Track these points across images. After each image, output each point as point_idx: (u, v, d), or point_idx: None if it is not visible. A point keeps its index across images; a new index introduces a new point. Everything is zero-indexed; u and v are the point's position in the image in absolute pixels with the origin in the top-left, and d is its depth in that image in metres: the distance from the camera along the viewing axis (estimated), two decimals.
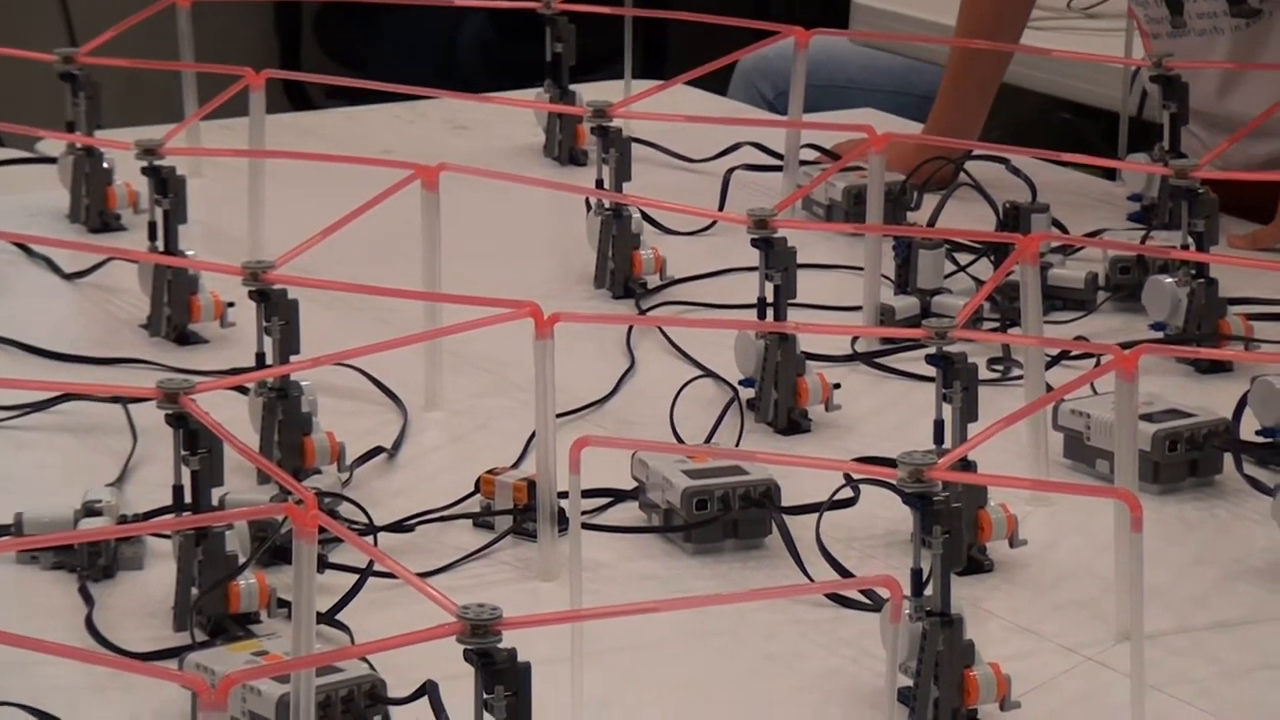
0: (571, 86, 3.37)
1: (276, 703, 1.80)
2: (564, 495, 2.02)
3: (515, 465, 2.25)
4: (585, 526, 2.09)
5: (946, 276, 2.77)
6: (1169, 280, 2.62)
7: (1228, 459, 2.34)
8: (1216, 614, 2.10)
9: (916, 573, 1.89)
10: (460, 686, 1.68)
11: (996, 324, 2.59)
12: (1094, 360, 2.31)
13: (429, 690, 1.79)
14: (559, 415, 2.18)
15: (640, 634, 1.98)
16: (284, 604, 1.99)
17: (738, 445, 2.40)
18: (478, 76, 5.58)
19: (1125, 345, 2.19)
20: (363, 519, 2.18)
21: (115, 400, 2.36)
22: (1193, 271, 2.62)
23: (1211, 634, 2.07)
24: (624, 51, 3.38)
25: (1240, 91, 3.10)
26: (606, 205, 2.81)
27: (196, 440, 2.02)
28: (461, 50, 5.23)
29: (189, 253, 2.65)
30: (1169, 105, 2.98)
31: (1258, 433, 2.36)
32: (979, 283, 2.70)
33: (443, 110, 3.34)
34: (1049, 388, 2.34)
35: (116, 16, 3.15)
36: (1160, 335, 2.61)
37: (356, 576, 2.05)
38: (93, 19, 4.88)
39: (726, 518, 2.19)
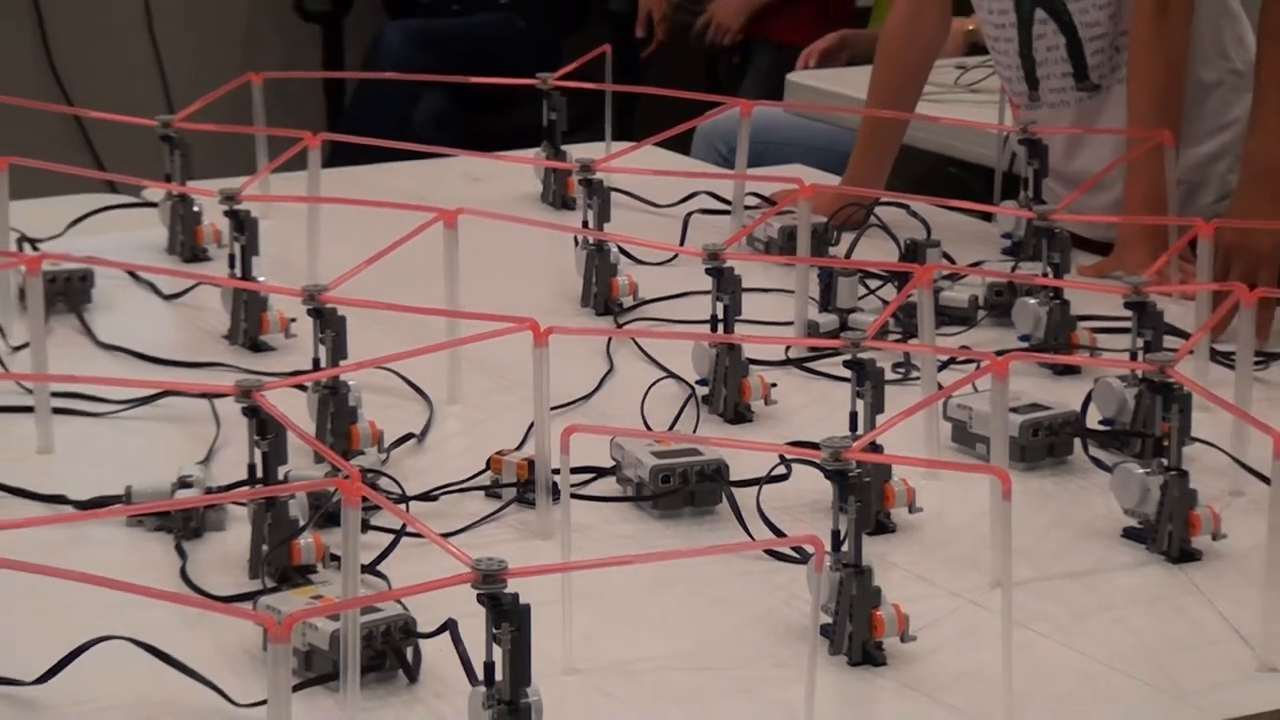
0: (562, 146, 3.36)
1: (330, 636, 1.81)
2: (557, 472, 2.03)
3: (518, 448, 2.25)
4: (574, 496, 2.10)
5: (860, 298, 2.77)
6: (1033, 301, 2.61)
7: (1077, 443, 2.35)
8: (1068, 566, 2.12)
9: (835, 533, 1.89)
10: (474, 624, 1.69)
11: (899, 336, 2.59)
12: (975, 365, 2.30)
13: (450, 626, 1.81)
14: (553, 408, 2.18)
15: (617, 582, 1.98)
16: (335, 558, 1.99)
17: (694, 432, 2.40)
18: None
19: (999, 353, 2.20)
20: (397, 490, 2.18)
21: (203, 396, 2.36)
22: (1051, 294, 2.62)
23: (1064, 581, 2.08)
24: (605, 118, 3.37)
25: (1084, 153, 3.11)
26: (591, 241, 2.81)
27: (266, 428, 2.03)
28: (417, 125, 5.11)
29: (260, 278, 2.65)
30: (1032, 163, 2.98)
31: (1100, 422, 2.36)
32: (885, 303, 2.69)
33: (461, 166, 3.33)
34: (940, 386, 2.34)
35: (205, 87, 3.14)
36: (1026, 345, 2.60)
37: (392, 536, 2.06)
38: (187, 89, 4.86)
39: (685, 489, 2.20)
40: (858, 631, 1.88)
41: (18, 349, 2.54)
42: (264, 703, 1.60)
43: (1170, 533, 2.11)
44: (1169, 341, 2.41)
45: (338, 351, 2.34)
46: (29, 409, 2.36)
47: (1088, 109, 3.12)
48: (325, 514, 2.04)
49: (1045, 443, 2.34)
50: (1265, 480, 1.96)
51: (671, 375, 2.53)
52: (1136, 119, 2.97)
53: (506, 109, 3.82)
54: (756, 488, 2.20)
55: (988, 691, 1.80)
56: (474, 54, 4.87)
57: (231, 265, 2.69)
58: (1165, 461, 2.13)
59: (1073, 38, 3.08)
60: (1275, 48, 2.82)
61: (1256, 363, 2.44)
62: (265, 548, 2.02)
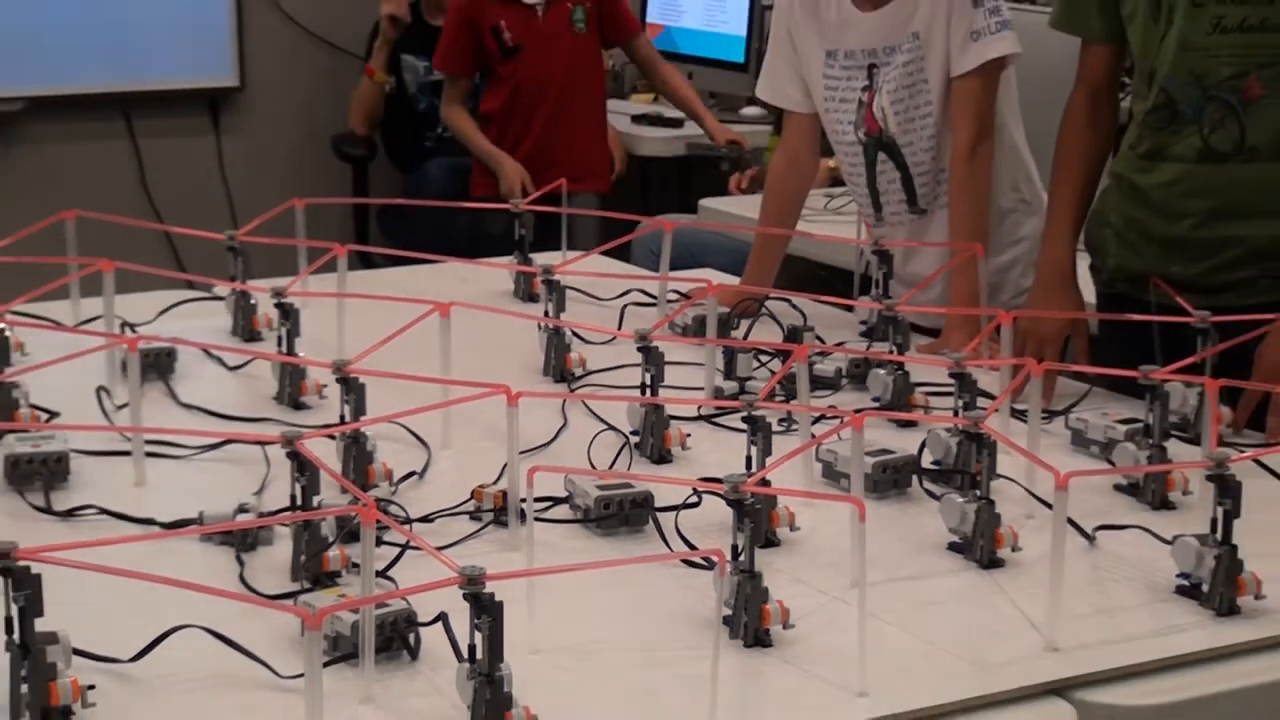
0: (530, 254, 3.35)
1: (351, 625, 1.81)
2: (524, 500, 2.04)
3: (495, 482, 2.24)
4: (537, 519, 2.11)
5: (754, 369, 2.76)
6: (882, 372, 2.62)
7: (915, 478, 2.35)
8: (907, 571, 2.12)
9: (734, 547, 1.90)
10: (461, 616, 1.70)
11: (783, 398, 2.57)
12: (839, 420, 2.30)
13: (442, 617, 1.81)
14: (521, 452, 2.18)
15: (569, 584, 1.96)
16: (355, 566, 1.98)
17: (628, 470, 2.39)
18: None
19: (857, 411, 2.22)
20: (402, 514, 2.18)
21: (256, 443, 2.35)
22: (895, 367, 2.63)
23: (904, 582, 2.08)
24: (562, 233, 3.37)
25: (917, 260, 3.11)
26: (550, 327, 2.80)
27: (304, 467, 2.04)
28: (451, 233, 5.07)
29: (300, 354, 2.65)
30: (881, 268, 2.99)
31: (931, 463, 2.36)
32: (772, 373, 2.70)
33: (454, 270, 3.33)
34: (813, 436, 2.35)
35: (261, 208, 3.14)
36: (877, 405, 2.61)
37: (399, 549, 2.05)
38: (247, 209, 4.84)
39: (621, 514, 2.20)
40: (751, 621, 1.89)
41: (120, 407, 2.53)
42: (301, 675, 1.63)
43: (981, 546, 2.11)
44: (981, 402, 2.41)
45: (358, 410, 2.34)
46: (128, 453, 2.36)
47: (918, 227, 3.12)
48: (348, 532, 2.03)
49: (891, 478, 2.33)
50: (1049, 506, 1.99)
51: (611, 428, 2.52)
52: (955, 235, 2.98)
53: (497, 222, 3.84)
54: (675, 513, 2.20)
55: (848, 665, 1.81)
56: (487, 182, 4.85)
57: (279, 344, 2.69)
58: (978, 492, 2.13)
59: (906, 175, 3.09)
60: (1063, 180, 2.82)
61: (1043, 418, 2.45)
62: (303, 558, 2.02)
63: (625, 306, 3.20)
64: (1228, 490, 1.99)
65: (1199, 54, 2.64)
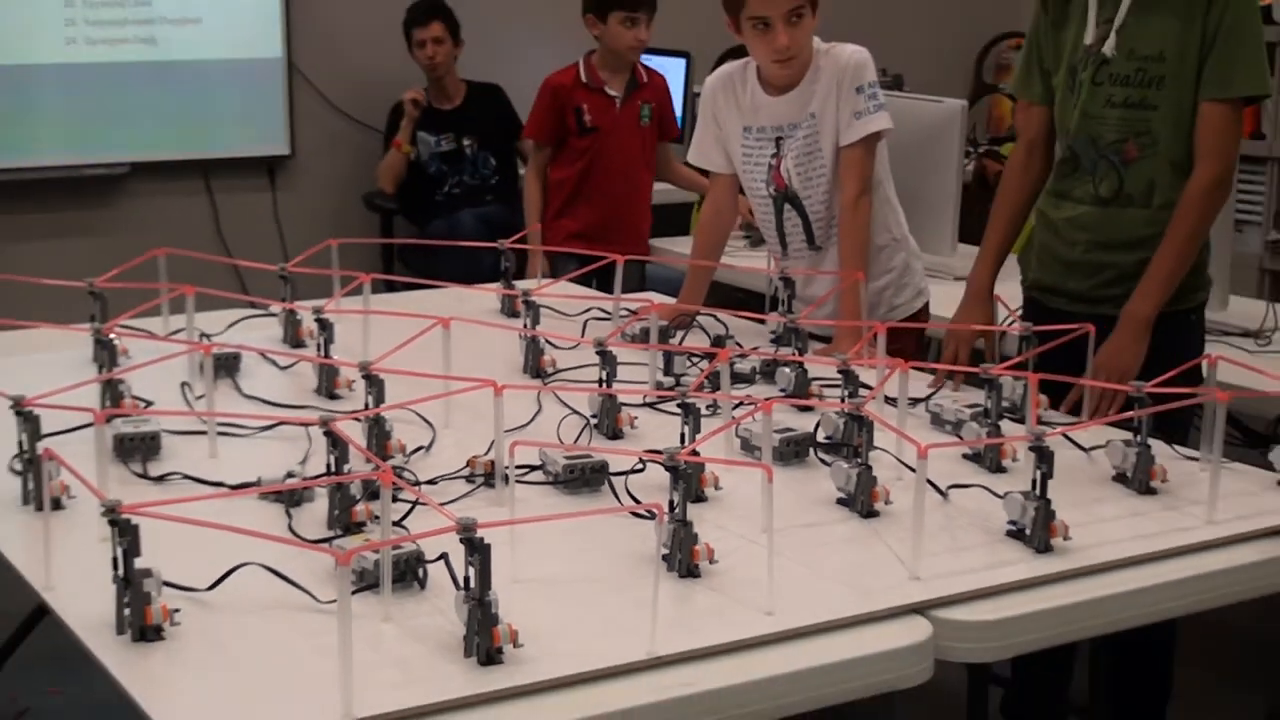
0: (513, 281, 3.33)
1: (374, 562, 1.82)
2: (507, 468, 2.05)
3: (485, 454, 2.23)
4: (517, 482, 2.13)
5: (688, 368, 2.76)
6: (787, 370, 2.63)
7: (811, 450, 2.36)
8: (805, 521, 2.12)
9: (670, 502, 1.91)
10: (458, 556, 1.71)
11: (710, 389, 2.55)
12: (753, 405, 2.31)
13: (444, 556, 1.83)
14: (506, 431, 2.18)
15: (542, 532, 1.96)
16: (376, 518, 1.99)
17: (589, 444, 2.40)
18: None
19: (767, 399, 2.21)
20: (413, 478, 2.19)
21: (301, 424, 2.35)
22: (797, 366, 2.64)
23: (803, 529, 2.09)
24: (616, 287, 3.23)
25: (814, 285, 3.11)
26: (528, 336, 2.80)
27: (337, 443, 2.05)
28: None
29: (334, 357, 2.65)
30: (786, 290, 3.01)
31: (825, 438, 2.38)
32: (702, 371, 2.70)
33: (453, 294, 3.34)
34: (734, 418, 2.36)
35: (307, 243, 3.15)
36: (783, 394, 2.61)
37: (410, 505, 2.06)
38: (297, 244, 4.85)
39: (584, 478, 2.20)
40: (684, 558, 1.91)
41: (199, 398, 2.55)
42: (334, 601, 1.61)
43: (862, 501, 2.13)
44: (863, 392, 2.43)
45: (379, 399, 2.34)
46: (203, 433, 2.37)
47: (815, 259, 3.11)
48: (371, 492, 2.04)
49: (793, 450, 2.34)
50: (913, 470, 1.99)
51: (575, 413, 2.52)
52: (843, 266, 2.98)
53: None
54: (625, 477, 2.21)
55: (758, 591, 1.83)
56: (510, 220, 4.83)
57: (318, 350, 2.69)
58: (859, 460, 2.15)
59: (806, 221, 3.09)
60: (996, 215, 2.81)
61: (911, 403, 2.46)
62: (336, 512, 2.03)
63: (586, 320, 3.19)
64: (1044, 458, 2.02)
65: (1095, 121, 2.67)
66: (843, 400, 2.40)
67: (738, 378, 2.71)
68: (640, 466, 2.23)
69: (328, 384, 2.65)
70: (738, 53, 3.20)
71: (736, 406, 2.43)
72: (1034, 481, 2.03)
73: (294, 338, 2.96)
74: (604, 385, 2.51)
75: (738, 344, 2.95)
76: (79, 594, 1.83)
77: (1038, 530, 2.02)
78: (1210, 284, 2.79)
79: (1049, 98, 2.77)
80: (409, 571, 1.86)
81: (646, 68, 4.54)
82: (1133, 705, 2.84)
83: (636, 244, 4.32)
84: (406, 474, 2.19)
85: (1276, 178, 5.21)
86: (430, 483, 2.22)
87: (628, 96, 4.46)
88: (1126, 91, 2.63)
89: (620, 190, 4.49)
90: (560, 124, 4.45)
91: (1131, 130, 2.64)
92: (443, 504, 2.01)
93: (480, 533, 1.68)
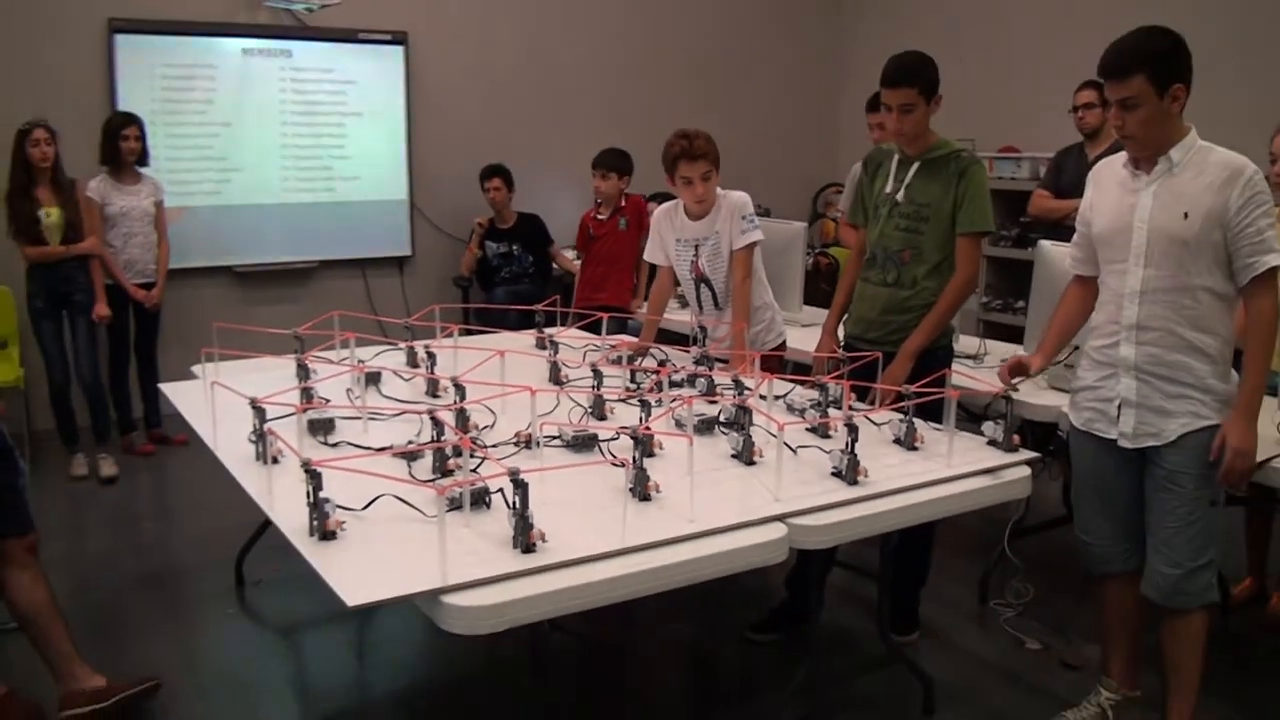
0: (544, 329, 3.21)
1: (460, 494, 1.80)
2: (540, 438, 2.05)
3: (526, 429, 2.18)
4: (544, 446, 2.10)
5: (649, 380, 2.66)
6: (703, 380, 2.55)
7: (716, 426, 2.29)
8: (711, 468, 2.07)
9: (634, 457, 1.89)
10: (508, 489, 1.69)
11: (658, 392, 2.47)
12: (683, 400, 2.25)
13: (500, 490, 1.80)
14: (538, 415, 2.16)
15: (559, 475, 1.94)
16: (460, 467, 1.96)
17: (586, 424, 2.30)
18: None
19: (691, 396, 2.18)
20: (482, 443, 2.13)
21: (416, 413, 2.30)
22: (708, 378, 2.55)
23: (710, 472, 2.04)
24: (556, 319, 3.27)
25: (718, 331, 3.02)
26: (551, 360, 2.72)
27: (437, 423, 2.02)
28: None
29: (436, 373, 2.60)
30: (703, 333, 2.93)
31: (724, 419, 2.32)
32: (652, 380, 2.64)
33: (506, 335, 3.27)
34: (671, 407, 2.31)
35: (422, 306, 3.11)
36: (700, 394, 2.51)
37: (480, 460, 2.02)
38: (416, 306, 4.83)
39: (584, 443, 2.16)
40: (640, 490, 1.89)
41: (356, 398, 2.50)
42: (435, 516, 1.63)
43: (745, 455, 2.10)
44: (746, 392, 2.41)
45: (462, 397, 2.30)
46: (360, 418, 2.33)
47: (719, 316, 3.05)
48: (456, 452, 2.01)
49: (706, 426, 2.28)
50: (775, 436, 1.99)
51: (579, 405, 2.46)
52: (735, 319, 2.93)
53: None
54: (608, 443, 2.17)
55: (686, 508, 1.82)
56: (540, 294, 4.80)
57: (428, 369, 2.66)
58: (745, 431, 2.13)
59: (713, 292, 3.05)
60: (935, 310, 2.57)
61: (777, 398, 2.44)
62: (436, 464, 2.01)
63: (586, 351, 3.13)
64: (852, 430, 2.03)
65: (888, 238, 2.63)
66: (735, 397, 2.39)
67: (674, 384, 2.67)
68: (616, 436, 2.20)
69: (432, 389, 2.61)
70: (667, 194, 3.13)
71: (674, 401, 2.41)
72: (847, 443, 2.03)
73: (413, 362, 2.90)
74: (595, 389, 2.47)
75: (673, 365, 2.90)
76: (288, 512, 1.82)
77: (849, 471, 2.02)
78: (954, 331, 2.77)
79: (866, 222, 2.75)
80: (479, 499, 1.85)
81: (628, 195, 4.56)
82: (903, 576, 2.84)
83: (621, 300, 4.36)
84: (478, 441, 2.14)
85: (985, 267, 5.26)
86: (493, 446, 2.16)
87: (613, 214, 4.51)
88: (907, 222, 2.62)
89: (612, 271, 4.50)
90: (587, 238, 4.49)
91: (908, 244, 2.62)
92: (500, 459, 2.01)
93: (521, 475, 1.68)
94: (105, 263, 3.97)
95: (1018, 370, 2.26)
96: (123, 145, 4.00)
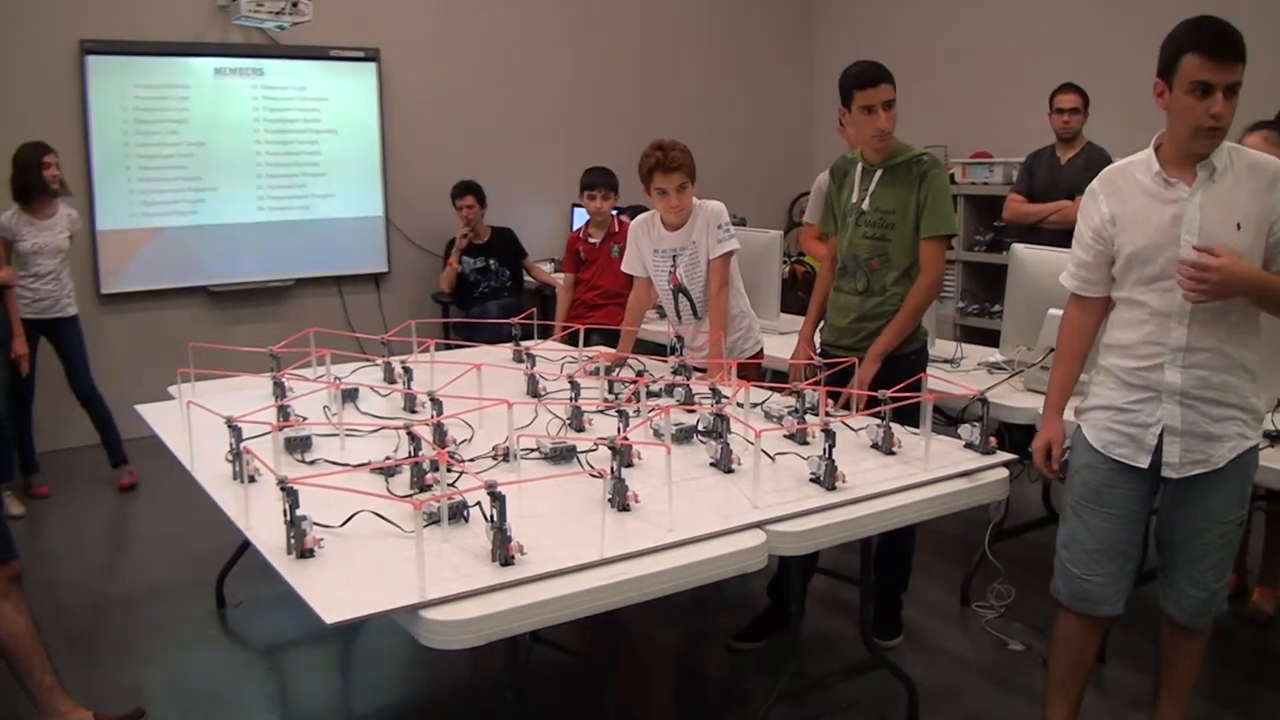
0: (522, 341, 3.22)
1: (437, 508, 1.79)
2: (517, 450, 2.04)
3: (503, 442, 2.17)
4: (522, 458, 2.10)
5: (627, 390, 2.64)
6: (680, 389, 2.55)
7: (694, 435, 2.29)
8: (690, 477, 2.07)
9: (612, 467, 1.88)
10: (486, 503, 1.68)
11: (636, 401, 2.48)
12: (660, 410, 2.21)
13: (478, 504, 1.80)
14: (515, 428, 2.15)
15: (537, 487, 1.94)
16: (437, 481, 1.95)
17: (564, 435, 2.31)
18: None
19: (669, 405, 2.17)
20: (460, 457, 2.12)
21: (394, 429, 2.30)
22: (686, 387, 2.57)
23: (689, 481, 2.04)
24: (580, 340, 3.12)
25: (696, 340, 3.02)
26: (529, 373, 2.71)
27: (414, 438, 2.00)
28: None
29: (413, 388, 2.59)
30: (680, 342, 2.90)
31: (702, 428, 2.30)
32: (629, 390, 2.62)
33: (483, 349, 3.27)
34: (649, 417, 2.31)
35: (398, 321, 3.11)
36: (678, 403, 2.53)
37: (458, 473, 2.01)
38: (393, 321, 4.83)
39: (561, 454, 2.15)
40: (619, 500, 1.89)
41: (334, 415, 2.49)
42: (413, 531, 1.62)
43: (723, 464, 2.10)
44: (724, 400, 2.38)
45: (439, 411, 2.28)
46: (336, 435, 2.32)
47: (697, 325, 3.05)
48: (434, 467, 2.00)
49: (685, 434, 2.28)
50: (752, 444, 1.99)
51: (556, 416, 2.46)
52: (712, 328, 2.93)
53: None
54: (586, 454, 2.16)
55: (664, 518, 1.82)
56: (516, 307, 4.77)
57: (404, 384, 2.64)
58: (722, 439, 2.13)
59: (691, 303, 3.05)
60: (900, 314, 2.53)
61: (754, 406, 2.44)
62: (414, 479, 1.99)
63: (563, 362, 3.12)
64: (829, 436, 2.04)
65: (856, 246, 2.63)
66: (713, 405, 2.38)
67: (651, 393, 2.67)
68: (595, 448, 2.19)
69: (408, 404, 2.59)
70: (641, 206, 3.11)
71: (652, 410, 2.41)
72: (825, 449, 2.04)
73: (389, 378, 2.89)
74: (573, 400, 2.46)
75: (651, 375, 2.90)
76: (266, 531, 1.81)
77: (827, 477, 2.02)
78: (925, 336, 2.77)
79: (836, 231, 2.75)
80: (457, 513, 1.84)
81: (619, 219, 4.56)
82: (885, 581, 2.86)
83: (613, 317, 4.34)
84: (455, 455, 2.12)
85: (961, 272, 5.30)
86: (471, 460, 2.14)
87: (605, 240, 4.51)
88: (874, 230, 2.62)
89: (608, 297, 4.51)
90: (578, 260, 4.47)
91: (876, 252, 2.62)
92: (478, 472, 2.00)
93: (499, 488, 1.67)
94: (7, 300, 3.68)
95: (1051, 453, 2.04)
96: (46, 175, 3.76)
